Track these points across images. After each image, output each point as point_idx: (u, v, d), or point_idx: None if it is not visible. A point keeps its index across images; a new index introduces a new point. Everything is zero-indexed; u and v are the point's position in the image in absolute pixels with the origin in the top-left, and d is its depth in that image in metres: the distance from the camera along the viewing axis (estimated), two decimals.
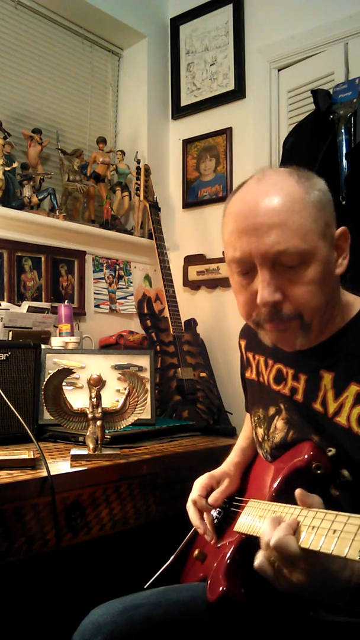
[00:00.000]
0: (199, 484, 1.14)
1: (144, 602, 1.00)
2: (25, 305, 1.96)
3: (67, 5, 2.42)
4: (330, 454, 0.87)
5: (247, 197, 0.87)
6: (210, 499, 1.10)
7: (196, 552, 1.11)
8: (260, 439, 1.04)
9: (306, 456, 0.88)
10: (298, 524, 0.74)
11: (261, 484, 1.02)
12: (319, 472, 0.86)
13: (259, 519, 0.89)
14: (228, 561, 0.95)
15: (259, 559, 0.78)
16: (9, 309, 1.87)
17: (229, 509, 1.10)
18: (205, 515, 1.11)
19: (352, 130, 1.90)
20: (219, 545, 1.06)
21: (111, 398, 1.57)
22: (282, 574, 0.75)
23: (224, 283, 2.46)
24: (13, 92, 2.31)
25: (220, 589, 0.92)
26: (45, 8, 2.40)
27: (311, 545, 0.70)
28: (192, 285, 2.59)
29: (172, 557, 1.17)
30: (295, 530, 0.74)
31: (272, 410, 1.01)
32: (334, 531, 0.67)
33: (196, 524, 1.09)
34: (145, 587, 1.14)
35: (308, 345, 0.90)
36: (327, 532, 0.68)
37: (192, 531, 1.17)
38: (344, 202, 1.85)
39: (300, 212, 0.83)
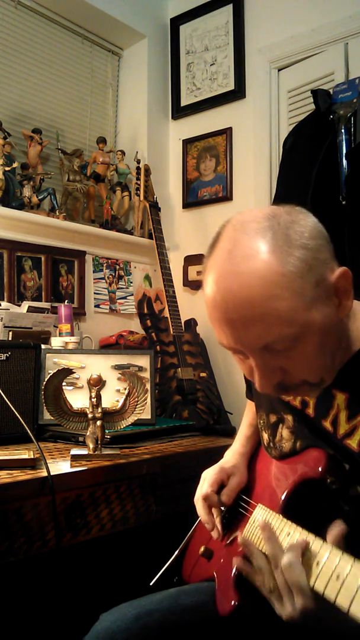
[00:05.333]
0: (211, 478, 1.09)
1: (157, 607, 0.98)
2: (25, 305, 1.96)
3: (67, 5, 2.42)
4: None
5: (218, 280, 0.76)
6: (223, 497, 1.06)
7: (202, 549, 1.09)
8: (265, 443, 1.02)
9: (320, 468, 0.85)
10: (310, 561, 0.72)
11: (268, 483, 1.00)
12: (334, 487, 0.84)
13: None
14: (237, 573, 0.93)
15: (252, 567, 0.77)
16: (9, 309, 1.87)
17: (235, 507, 1.08)
18: (214, 510, 1.07)
19: (352, 130, 1.90)
20: (225, 543, 1.04)
21: (111, 398, 1.57)
22: (282, 600, 0.74)
23: None
24: (13, 92, 2.31)
25: (232, 603, 0.91)
26: (45, 8, 2.40)
27: (326, 593, 0.67)
28: (192, 285, 2.59)
29: (176, 553, 1.17)
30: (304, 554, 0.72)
31: (273, 418, 0.98)
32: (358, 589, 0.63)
33: (205, 519, 1.06)
34: (151, 584, 1.12)
35: None
36: (345, 582, 0.64)
37: (195, 524, 1.16)
38: (344, 202, 1.85)
39: (281, 294, 0.72)
